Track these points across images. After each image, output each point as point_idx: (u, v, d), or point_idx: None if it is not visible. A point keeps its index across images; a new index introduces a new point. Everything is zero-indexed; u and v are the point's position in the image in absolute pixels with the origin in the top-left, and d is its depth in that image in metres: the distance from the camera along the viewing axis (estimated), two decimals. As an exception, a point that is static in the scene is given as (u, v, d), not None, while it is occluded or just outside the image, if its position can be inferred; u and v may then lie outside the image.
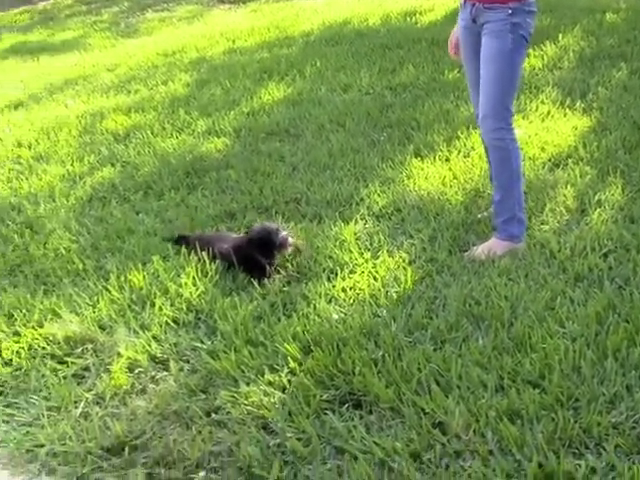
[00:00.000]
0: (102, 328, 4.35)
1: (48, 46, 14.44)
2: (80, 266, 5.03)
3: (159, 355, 4.06)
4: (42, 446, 3.53)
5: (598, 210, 4.93)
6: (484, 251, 4.62)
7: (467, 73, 4.90)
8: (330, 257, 4.76)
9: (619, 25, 9.29)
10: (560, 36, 8.79)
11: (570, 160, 5.76)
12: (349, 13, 12.41)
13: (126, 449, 3.43)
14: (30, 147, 7.68)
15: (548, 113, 6.65)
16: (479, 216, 5.08)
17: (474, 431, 3.23)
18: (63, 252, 5.25)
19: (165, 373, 3.93)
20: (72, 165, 6.97)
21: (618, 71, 7.58)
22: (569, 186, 5.31)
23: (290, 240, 4.73)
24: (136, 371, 3.97)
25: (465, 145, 6.23)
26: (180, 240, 5.16)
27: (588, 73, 7.65)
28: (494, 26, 4.42)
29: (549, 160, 5.81)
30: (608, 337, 3.68)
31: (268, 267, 4.62)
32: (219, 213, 5.58)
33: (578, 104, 6.82)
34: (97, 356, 4.13)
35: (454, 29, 4.95)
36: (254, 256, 4.65)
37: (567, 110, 6.77)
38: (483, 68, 4.52)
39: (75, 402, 3.80)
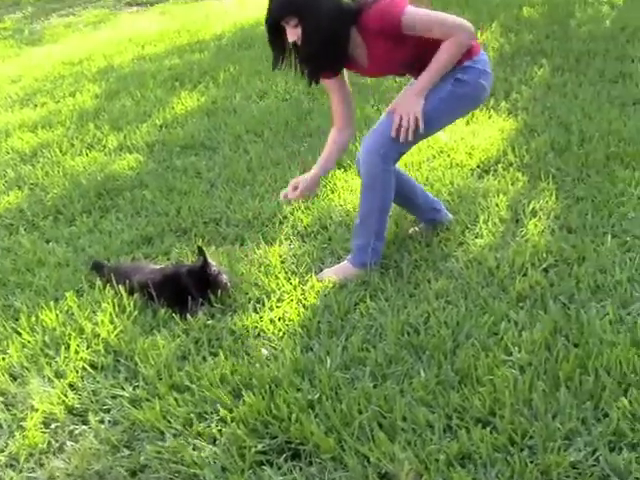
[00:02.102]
0: (14, 378, 4.01)
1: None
2: (-13, 305, 4.69)
3: (77, 406, 3.73)
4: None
5: (533, 220, 4.74)
6: (336, 273, 4.47)
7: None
8: (256, 284, 4.49)
9: (537, 20, 9.21)
10: (478, 33, 8.61)
11: (500, 165, 5.57)
12: (259, 14, 12.11)
13: (44, 521, 3.13)
14: None
15: (472, 115, 6.44)
16: (410, 231, 4.85)
17: (424, 480, 2.99)
18: (-33, 290, 4.91)
19: (84, 427, 3.59)
20: (-24, 190, 6.59)
21: (540, 68, 7.48)
22: (501, 194, 5.11)
23: (228, 284, 4.46)
24: (52, 426, 3.63)
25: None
26: (96, 268, 4.84)
27: (510, 71, 7.52)
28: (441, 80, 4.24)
29: (477, 166, 5.62)
30: (559, 365, 3.45)
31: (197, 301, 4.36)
32: (135, 238, 5.28)
33: (502, 104, 6.66)
34: (9, 410, 3.78)
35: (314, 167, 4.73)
36: (186, 289, 4.37)
37: (492, 111, 6.60)
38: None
39: (-15, 466, 3.47)
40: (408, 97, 4.23)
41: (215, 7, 14.17)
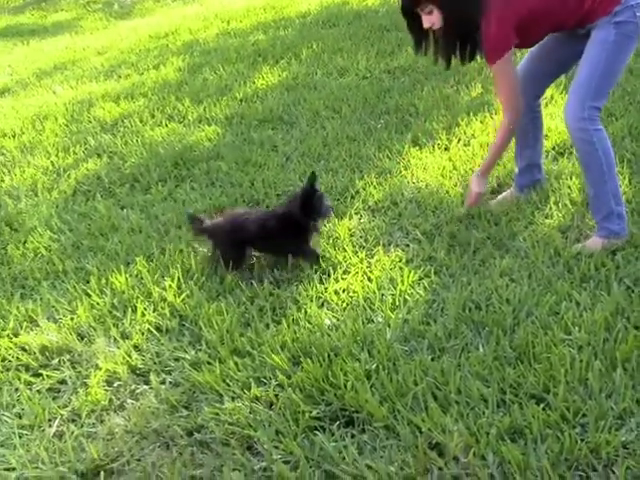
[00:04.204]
0: (81, 337, 4.11)
1: (39, 29, 14.20)
2: (60, 267, 4.80)
3: (140, 366, 3.81)
4: (13, 469, 3.29)
5: (605, 202, 4.67)
6: (595, 248, 4.33)
7: (538, 46, 4.66)
8: (323, 256, 4.51)
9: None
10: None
11: (575, 148, 5.50)
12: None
13: (102, 474, 3.18)
14: (14, 137, 7.45)
15: (551, 98, 6.37)
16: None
17: (474, 453, 2.98)
18: (43, 252, 5.02)
19: (145, 387, 3.67)
20: (57, 156, 6.74)
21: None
22: (574, 177, 5.06)
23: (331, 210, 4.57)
24: (115, 385, 3.71)
25: (465, 133, 5.98)
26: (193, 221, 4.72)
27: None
28: (600, 26, 4.18)
29: (552, 149, 5.56)
30: (617, 346, 3.43)
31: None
32: (207, 207, 5.32)
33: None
34: (74, 368, 3.87)
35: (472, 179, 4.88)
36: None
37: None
38: (583, 55, 4.28)
39: (49, 420, 3.55)
40: (474, 181, 4.80)
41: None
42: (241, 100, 7.58)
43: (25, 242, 5.19)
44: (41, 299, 4.47)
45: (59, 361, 3.93)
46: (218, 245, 4.51)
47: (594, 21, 4.16)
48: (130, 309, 4.25)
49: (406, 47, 8.44)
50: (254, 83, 8.05)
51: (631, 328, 3.54)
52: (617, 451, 2.93)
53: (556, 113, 6.08)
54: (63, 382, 3.80)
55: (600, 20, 4.14)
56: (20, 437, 3.46)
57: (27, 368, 3.93)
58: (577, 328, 3.59)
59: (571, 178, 5.05)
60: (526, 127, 4.77)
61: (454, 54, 4.29)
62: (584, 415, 3.10)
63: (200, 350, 3.84)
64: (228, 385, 3.55)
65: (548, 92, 6.42)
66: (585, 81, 4.18)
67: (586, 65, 4.21)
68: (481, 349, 3.55)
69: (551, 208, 4.75)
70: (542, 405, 3.17)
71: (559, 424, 3.07)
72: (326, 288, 4.21)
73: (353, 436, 3.19)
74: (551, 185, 5.02)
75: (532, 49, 4.69)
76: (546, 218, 4.68)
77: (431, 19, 4.13)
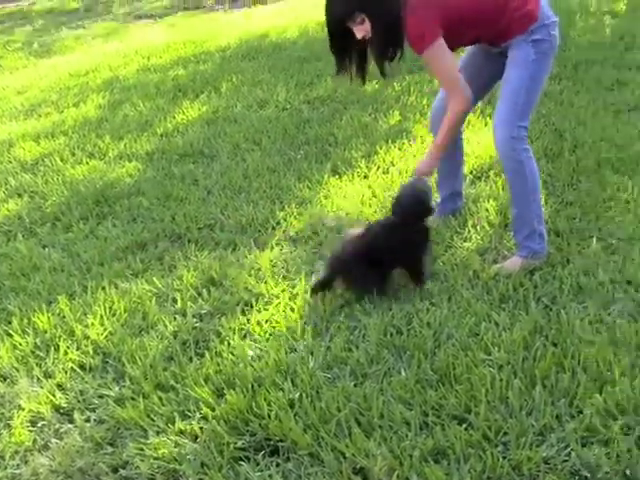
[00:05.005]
0: (3, 378, 4.08)
1: (-44, 69, 14.03)
2: (-19, 309, 4.75)
3: (64, 405, 3.80)
4: None
5: (521, 224, 4.77)
6: (513, 268, 4.40)
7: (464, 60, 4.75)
8: (245, 288, 4.54)
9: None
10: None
11: (492, 172, 5.63)
12: (267, 25, 12.25)
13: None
14: None
15: (468, 123, 6.48)
16: None
17: (397, 476, 3.03)
18: (-36, 295, 4.97)
19: (70, 425, 3.66)
20: (-24, 198, 6.66)
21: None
22: (491, 200, 5.17)
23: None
24: (39, 424, 3.70)
25: (384, 161, 6.07)
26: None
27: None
28: (518, 45, 4.30)
29: (470, 172, 5.67)
30: (536, 363, 3.52)
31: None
32: (130, 243, 5.33)
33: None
34: (-4, 410, 3.86)
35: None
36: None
37: (488, 119, 6.63)
38: (505, 76, 4.38)
39: (-28, 463, 3.53)
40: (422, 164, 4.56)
41: (224, 19, 14.25)
42: (162, 135, 7.59)
43: (-55, 285, 5.13)
44: (-38, 342, 4.43)
45: (-19, 404, 3.90)
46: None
47: (511, 38, 4.27)
48: (53, 348, 4.23)
49: (325, 77, 8.55)
50: (174, 118, 8.06)
51: (549, 345, 3.64)
52: (539, 467, 3.01)
53: (472, 138, 6.19)
54: (-14, 425, 3.77)
55: (516, 38, 4.26)
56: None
57: (-52, 412, 3.90)
58: (497, 348, 3.67)
59: (488, 201, 5.16)
60: (449, 157, 4.86)
61: (387, 59, 4.30)
62: (505, 433, 3.17)
63: (124, 386, 3.84)
64: (152, 420, 3.55)
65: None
66: (512, 101, 4.29)
67: (510, 85, 4.31)
68: (403, 373, 3.60)
69: (469, 231, 4.84)
70: (464, 425, 3.24)
71: (481, 443, 3.13)
72: (249, 319, 4.24)
73: (278, 465, 3.23)
74: (469, 209, 5.12)
75: None
76: (464, 241, 4.77)
77: (364, 28, 4.16)
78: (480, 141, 6.15)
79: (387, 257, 4.30)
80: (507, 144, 4.28)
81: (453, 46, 4.36)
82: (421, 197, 4.33)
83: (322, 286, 4.35)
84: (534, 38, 4.24)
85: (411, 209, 4.29)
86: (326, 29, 4.31)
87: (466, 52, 4.75)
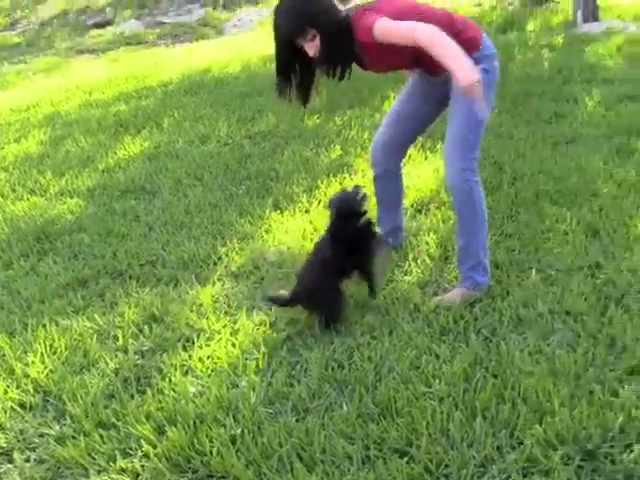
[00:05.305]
0: (-59, 420, 4.04)
1: None
2: None
3: (3, 445, 3.76)
4: None
5: (461, 257, 4.84)
6: (453, 300, 4.47)
7: (396, 105, 4.87)
8: (187, 324, 4.55)
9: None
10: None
11: (432, 205, 5.70)
12: (210, 60, 12.30)
13: None
14: None
15: (409, 157, 6.55)
16: None
17: (339, 510, 3.06)
18: None
19: (10, 466, 3.62)
20: None
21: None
22: (431, 233, 5.24)
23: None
24: (-23, 466, 3.67)
25: (325, 195, 6.10)
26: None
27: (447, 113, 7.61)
28: None
29: (411, 206, 5.73)
30: (476, 395, 3.57)
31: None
32: (70, 280, 5.30)
33: (439, 145, 6.77)
34: None
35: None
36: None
37: (428, 152, 6.73)
38: (452, 109, 4.45)
39: None
40: (463, 78, 3.99)
41: (166, 54, 14.28)
42: (103, 171, 7.56)
43: None
44: None
45: None
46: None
47: None
48: (-8, 388, 4.20)
49: (266, 112, 8.60)
50: (116, 153, 8.04)
51: (490, 377, 3.70)
52: (477, 498, 3.05)
53: (413, 171, 6.27)
54: None
55: None
56: None
57: None
58: (437, 380, 3.72)
59: (429, 234, 5.22)
60: (390, 191, 4.93)
61: (336, 75, 4.35)
62: (447, 465, 3.22)
63: (65, 425, 3.82)
64: (93, 459, 3.54)
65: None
66: (462, 133, 4.37)
67: (459, 117, 4.38)
68: (345, 407, 3.64)
69: (410, 265, 4.90)
70: (406, 459, 3.28)
71: (423, 476, 3.18)
72: (190, 355, 4.24)
73: (219, 501, 3.23)
74: (410, 242, 5.18)
75: (392, 113, 4.85)
76: (405, 275, 4.82)
77: (314, 45, 4.20)
78: (420, 174, 6.23)
79: (339, 264, 4.41)
80: (458, 176, 4.36)
81: (394, 62, 4.45)
82: (350, 196, 4.45)
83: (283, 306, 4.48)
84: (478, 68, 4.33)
85: (342, 207, 4.41)
86: (275, 46, 4.31)
87: (407, 87, 4.82)
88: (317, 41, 4.19)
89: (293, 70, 4.35)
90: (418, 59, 4.34)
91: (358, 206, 4.41)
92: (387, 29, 4.10)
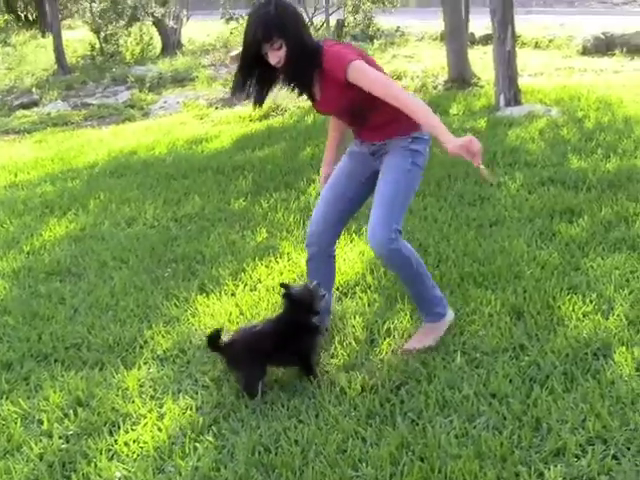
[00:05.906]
0: None
1: None
2: None
3: None
4: None
5: (387, 340, 4.96)
6: (425, 339, 4.81)
7: (329, 187, 4.97)
8: (113, 408, 4.54)
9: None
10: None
11: (358, 288, 5.79)
12: (135, 142, 12.36)
13: None
14: None
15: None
16: None
17: None
18: None
19: None
20: None
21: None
22: (357, 316, 5.31)
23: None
24: None
25: (252, 278, 6.16)
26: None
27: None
28: (395, 151, 4.56)
29: (337, 289, 5.79)
30: (403, 478, 3.64)
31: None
32: (-6, 364, 5.26)
33: (364, 229, 6.87)
34: None
35: (322, 167, 5.20)
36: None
37: (353, 235, 6.83)
38: (380, 180, 4.59)
39: None
40: (449, 143, 4.25)
41: (92, 136, 14.30)
42: (28, 253, 7.53)
43: None
44: None
45: None
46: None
47: (392, 136, 4.54)
48: None
49: (193, 195, 8.66)
50: (42, 235, 8.01)
51: (416, 460, 3.76)
52: None
53: (339, 254, 6.31)
54: None
55: (396, 140, 4.53)
56: None
57: None
58: (364, 464, 3.77)
59: (355, 317, 5.29)
60: (323, 273, 5.01)
61: (301, 82, 4.51)
62: None
63: (-14, 513, 3.79)
64: None
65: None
66: (389, 204, 4.52)
67: (387, 189, 4.54)
68: (271, 492, 3.66)
69: (336, 348, 4.95)
70: None
71: None
72: (116, 440, 4.23)
73: None
74: (336, 325, 5.24)
75: (325, 192, 4.97)
76: (332, 358, 4.87)
77: (278, 55, 4.32)
78: (346, 258, 6.32)
79: (276, 353, 4.52)
80: (385, 246, 4.52)
81: (343, 107, 4.58)
82: (311, 291, 4.56)
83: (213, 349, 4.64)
84: (413, 148, 4.52)
85: (301, 302, 4.52)
86: (242, 49, 4.44)
87: (338, 168, 4.96)
88: (282, 52, 4.33)
89: (251, 73, 4.47)
90: (363, 116, 4.55)
91: (317, 301, 4.57)
92: (363, 72, 4.30)
